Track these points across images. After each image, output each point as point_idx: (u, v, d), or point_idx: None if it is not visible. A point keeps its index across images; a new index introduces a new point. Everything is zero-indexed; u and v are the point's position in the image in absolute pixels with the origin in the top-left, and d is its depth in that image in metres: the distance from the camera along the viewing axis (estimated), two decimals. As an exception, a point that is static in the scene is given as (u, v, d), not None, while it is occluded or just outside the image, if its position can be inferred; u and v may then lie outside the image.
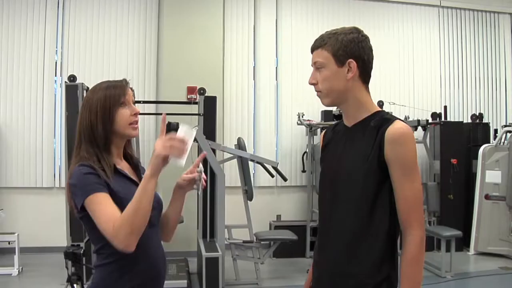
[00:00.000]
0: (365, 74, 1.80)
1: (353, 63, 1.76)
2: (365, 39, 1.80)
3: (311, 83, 1.85)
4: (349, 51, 1.75)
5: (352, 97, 1.80)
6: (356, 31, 1.80)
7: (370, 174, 1.72)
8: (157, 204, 1.89)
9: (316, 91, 1.85)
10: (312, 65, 1.84)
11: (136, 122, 1.88)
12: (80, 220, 1.78)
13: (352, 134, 1.82)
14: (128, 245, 1.64)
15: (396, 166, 1.70)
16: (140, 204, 1.65)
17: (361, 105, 1.81)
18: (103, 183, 1.72)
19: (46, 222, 6.46)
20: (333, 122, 6.39)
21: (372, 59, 1.82)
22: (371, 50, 1.81)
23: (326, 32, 1.82)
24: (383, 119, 1.76)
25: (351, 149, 1.80)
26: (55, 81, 6.77)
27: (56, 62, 6.76)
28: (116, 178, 1.79)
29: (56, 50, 6.77)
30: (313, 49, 1.83)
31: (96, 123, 1.80)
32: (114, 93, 1.84)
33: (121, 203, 1.71)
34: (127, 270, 1.75)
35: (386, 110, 6.78)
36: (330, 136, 1.97)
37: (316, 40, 1.83)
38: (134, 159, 1.98)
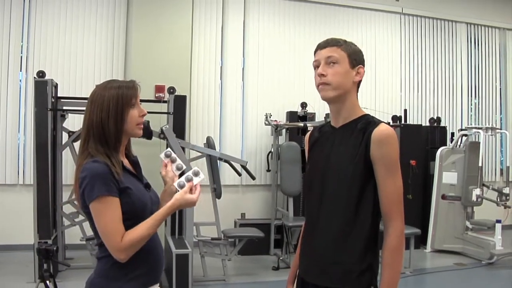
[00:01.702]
0: (360, 82, 1.98)
1: (362, 69, 1.95)
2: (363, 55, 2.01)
3: (320, 74, 1.92)
4: (358, 59, 1.95)
5: (349, 99, 1.96)
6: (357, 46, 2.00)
7: (357, 172, 1.87)
8: (156, 198, 2.01)
9: (321, 83, 1.93)
10: (320, 60, 1.94)
11: (142, 122, 1.95)
12: (86, 214, 1.84)
13: (340, 135, 1.96)
14: (127, 259, 1.79)
15: (380, 165, 1.85)
16: (152, 232, 1.83)
17: (352, 107, 1.97)
18: (115, 183, 1.78)
19: (9, 220, 6.34)
20: (300, 123, 6.62)
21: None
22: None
23: (333, 38, 1.99)
24: (369, 121, 1.92)
25: (338, 148, 1.94)
26: (20, 79, 6.63)
27: (21, 57, 6.65)
28: (124, 175, 1.85)
29: (22, 45, 6.66)
30: (325, 46, 1.94)
31: (107, 121, 1.84)
32: (127, 94, 1.88)
33: (132, 198, 1.82)
34: (130, 260, 1.80)
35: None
36: (316, 136, 2.10)
37: (330, 40, 1.96)
38: (132, 156, 2.04)
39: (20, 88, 6.63)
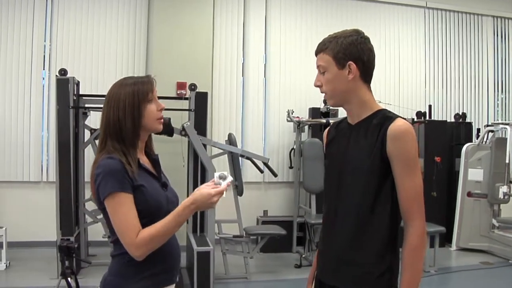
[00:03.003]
0: (366, 74, 1.88)
1: (352, 65, 1.83)
2: (365, 40, 1.87)
3: (316, 86, 1.94)
4: (348, 54, 1.83)
5: (355, 97, 1.88)
6: (356, 33, 1.87)
7: (373, 169, 1.80)
8: (174, 198, 1.98)
9: (321, 92, 1.94)
10: (316, 68, 1.92)
11: (162, 117, 1.93)
12: (101, 211, 1.83)
13: (356, 132, 1.89)
14: (143, 257, 1.76)
15: (397, 161, 1.77)
16: (171, 232, 1.79)
17: (363, 104, 1.89)
18: (129, 180, 1.76)
19: (33, 216, 6.42)
20: (322, 119, 6.56)
21: (373, 59, 1.89)
22: (371, 51, 1.88)
23: (328, 35, 1.90)
24: (385, 117, 1.84)
25: (355, 145, 1.88)
26: (43, 76, 6.71)
27: (44, 56, 6.71)
28: (140, 173, 1.83)
29: (45, 44, 6.72)
30: (316, 53, 1.92)
31: (124, 119, 1.82)
32: (142, 89, 1.86)
33: (145, 196, 1.80)
34: (145, 259, 1.78)
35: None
36: (334, 133, 2.05)
37: (319, 44, 1.91)
38: (153, 153, 2.02)
39: (43, 86, 6.71)
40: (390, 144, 1.77)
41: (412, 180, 1.78)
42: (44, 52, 6.72)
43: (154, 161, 2.00)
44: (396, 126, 1.78)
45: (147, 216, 1.79)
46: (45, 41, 6.71)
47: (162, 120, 1.94)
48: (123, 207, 1.73)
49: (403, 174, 1.78)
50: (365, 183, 1.82)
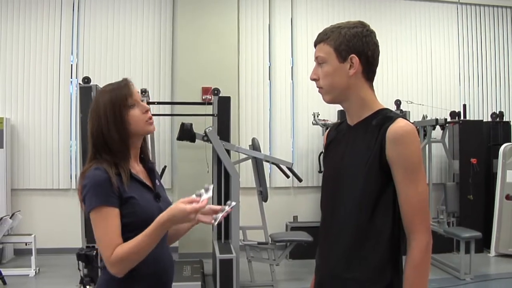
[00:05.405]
0: (368, 70, 1.72)
1: (355, 59, 1.67)
2: (370, 34, 1.71)
3: (312, 79, 1.77)
4: (351, 46, 1.67)
5: (355, 94, 1.72)
6: (361, 25, 1.71)
7: (372, 175, 1.64)
8: None
9: (317, 87, 1.77)
10: (314, 60, 1.76)
11: (151, 117, 1.84)
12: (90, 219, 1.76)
13: (354, 134, 1.74)
14: (121, 274, 1.67)
15: (398, 167, 1.61)
16: (145, 251, 1.67)
17: (364, 103, 1.73)
18: (116, 193, 1.69)
19: (62, 224, 6.51)
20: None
21: (378, 55, 1.73)
22: (377, 46, 1.73)
23: (331, 25, 1.74)
24: (385, 117, 1.68)
25: (352, 149, 1.72)
26: (71, 82, 6.81)
27: (71, 64, 6.81)
28: (131, 184, 1.76)
29: (72, 52, 6.81)
30: (315, 43, 1.75)
31: (108, 130, 1.75)
32: (120, 95, 1.78)
33: (135, 209, 1.72)
34: (134, 272, 1.70)
35: (403, 109, 6.49)
36: (333, 135, 1.89)
37: (319, 34, 1.75)
38: (149, 162, 1.94)
39: (71, 95, 6.79)
40: (390, 148, 1.61)
41: (415, 188, 1.61)
42: (72, 61, 6.81)
43: (150, 169, 1.92)
44: (396, 127, 1.61)
45: (137, 229, 1.70)
46: (72, 50, 6.81)
47: (152, 121, 1.85)
48: (104, 222, 1.67)
49: (405, 182, 1.61)
50: (362, 191, 1.65)
